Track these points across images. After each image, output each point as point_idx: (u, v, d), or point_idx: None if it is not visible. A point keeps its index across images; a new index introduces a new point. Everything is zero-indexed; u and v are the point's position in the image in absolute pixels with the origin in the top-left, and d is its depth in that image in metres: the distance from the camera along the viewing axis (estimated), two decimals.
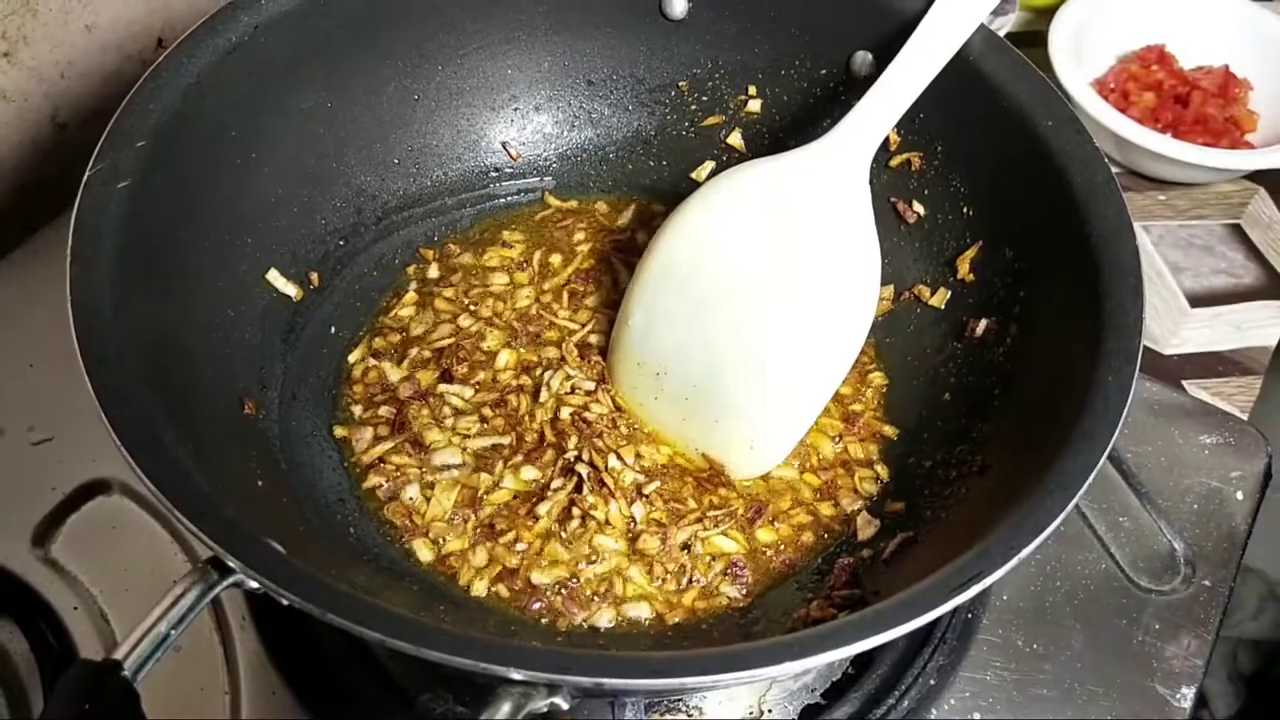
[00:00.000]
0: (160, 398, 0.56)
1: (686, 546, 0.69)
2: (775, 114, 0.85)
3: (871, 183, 0.69)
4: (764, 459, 0.73)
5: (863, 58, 0.79)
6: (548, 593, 0.67)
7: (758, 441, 0.72)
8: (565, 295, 0.82)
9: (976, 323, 0.73)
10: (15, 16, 0.90)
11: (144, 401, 0.55)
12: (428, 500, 0.70)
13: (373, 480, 0.71)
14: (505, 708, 0.47)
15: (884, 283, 0.73)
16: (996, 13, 1.00)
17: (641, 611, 0.67)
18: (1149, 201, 1.05)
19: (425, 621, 0.50)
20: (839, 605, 0.64)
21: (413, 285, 0.83)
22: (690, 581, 0.68)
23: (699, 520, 0.70)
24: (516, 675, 0.46)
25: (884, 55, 0.73)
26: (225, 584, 0.51)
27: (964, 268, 0.76)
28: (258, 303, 0.73)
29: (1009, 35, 1.06)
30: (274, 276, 0.74)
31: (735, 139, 0.87)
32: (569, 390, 0.76)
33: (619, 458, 0.72)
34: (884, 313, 0.79)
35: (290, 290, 0.75)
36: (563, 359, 0.78)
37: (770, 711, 0.69)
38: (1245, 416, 0.88)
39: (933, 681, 0.70)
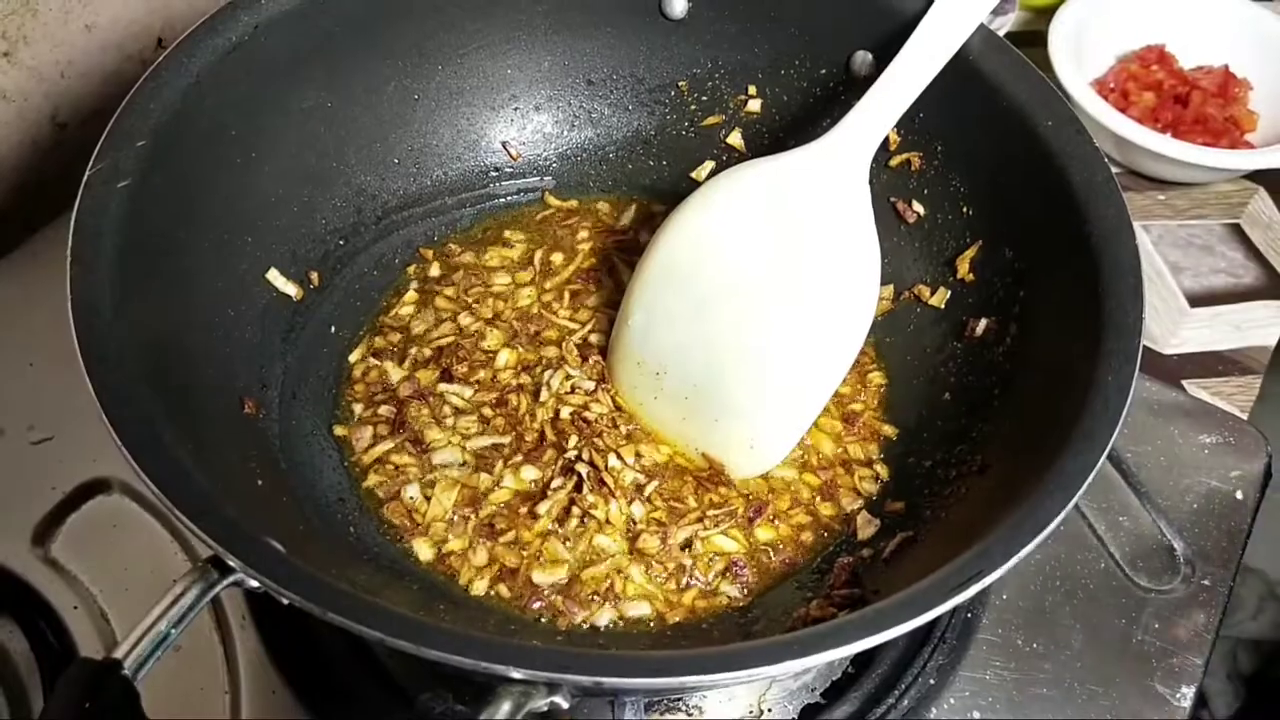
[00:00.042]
0: (160, 397, 0.56)
1: (687, 546, 0.69)
2: (775, 114, 0.85)
3: (871, 182, 0.69)
4: (764, 458, 0.73)
5: (863, 58, 0.79)
6: (548, 592, 0.67)
7: (758, 441, 0.72)
8: (566, 295, 0.82)
9: (976, 322, 0.73)
10: (15, 16, 0.90)
11: (144, 401, 0.55)
12: (428, 500, 0.70)
13: (373, 479, 0.71)
14: (505, 707, 0.47)
15: (884, 282, 0.73)
16: (996, 13, 1.00)
17: (641, 611, 0.67)
18: (1149, 201, 1.05)
19: (425, 621, 0.50)
20: (839, 604, 0.64)
21: (413, 284, 0.83)
22: (690, 581, 0.68)
23: (699, 520, 0.70)
24: (516, 674, 0.46)
25: (884, 55, 0.73)
26: (225, 583, 0.51)
27: (964, 267, 0.76)
28: (258, 302, 0.73)
29: (1009, 35, 1.06)
30: (274, 276, 0.74)
31: (735, 139, 0.87)
32: (569, 390, 0.76)
33: (619, 457, 0.72)
34: (884, 312, 0.79)
35: (290, 290, 0.75)
36: (563, 358, 0.78)
37: (770, 711, 0.69)
38: (1245, 416, 0.88)
39: (932, 681, 0.70)
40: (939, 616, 0.50)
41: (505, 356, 0.78)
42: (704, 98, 0.87)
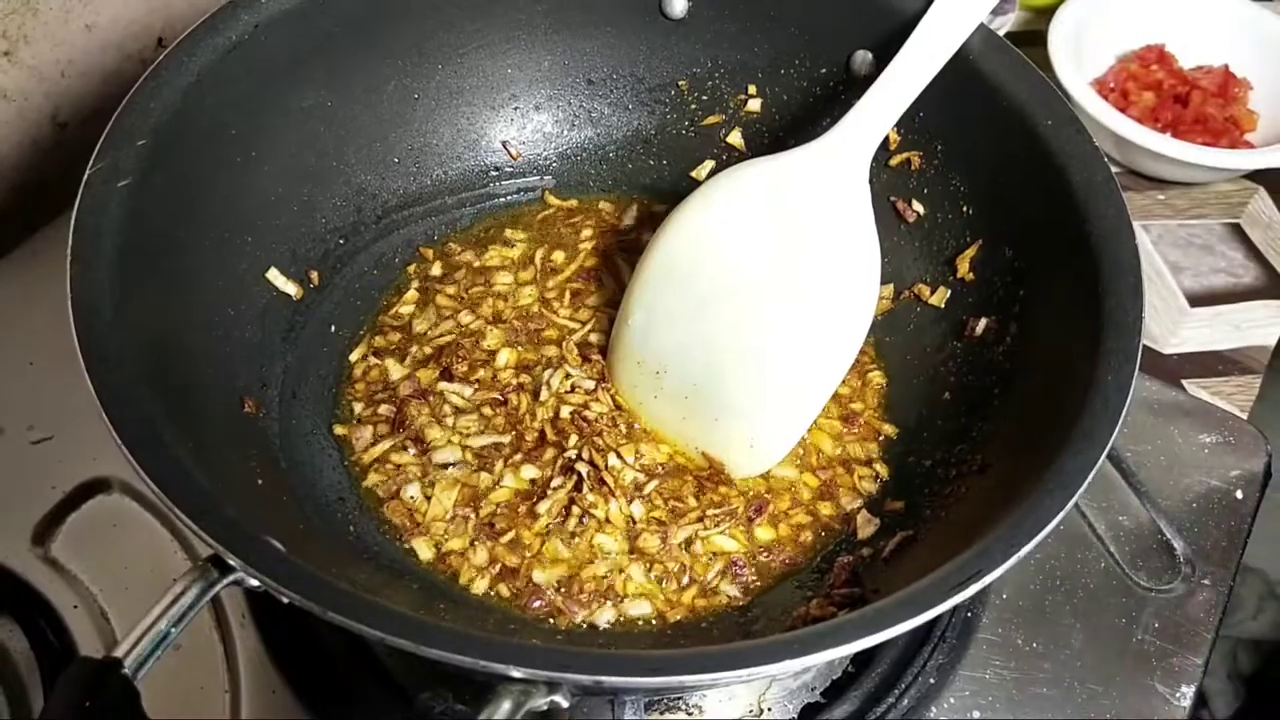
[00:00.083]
0: (160, 397, 0.56)
1: (687, 545, 0.69)
2: (775, 113, 0.85)
3: (871, 182, 0.69)
4: (764, 458, 0.73)
5: (863, 57, 0.79)
6: (548, 591, 0.67)
7: (757, 440, 0.72)
8: (567, 294, 0.82)
9: (976, 322, 0.73)
10: (16, 15, 0.90)
11: (144, 400, 0.55)
12: (428, 499, 0.70)
13: (373, 479, 0.71)
14: (505, 706, 0.47)
15: (884, 281, 0.73)
16: (996, 12, 1.00)
17: (642, 610, 0.67)
18: (1148, 201, 1.05)
19: (425, 620, 0.50)
20: (839, 604, 0.64)
21: (414, 283, 0.83)
22: (690, 580, 0.68)
23: (699, 519, 0.70)
24: (516, 673, 0.46)
25: (884, 55, 0.73)
26: (225, 582, 0.51)
27: (964, 267, 0.76)
28: (258, 301, 0.73)
29: (1009, 35, 1.06)
30: (274, 275, 0.74)
31: (735, 138, 0.87)
32: (569, 389, 0.76)
33: (619, 456, 0.72)
34: (884, 312, 0.79)
35: (290, 289, 0.75)
36: (563, 358, 0.78)
37: (770, 710, 0.69)
38: (1245, 416, 0.88)
39: (932, 680, 0.70)
40: (939, 616, 0.50)
41: (505, 356, 0.78)
42: (704, 97, 0.87)
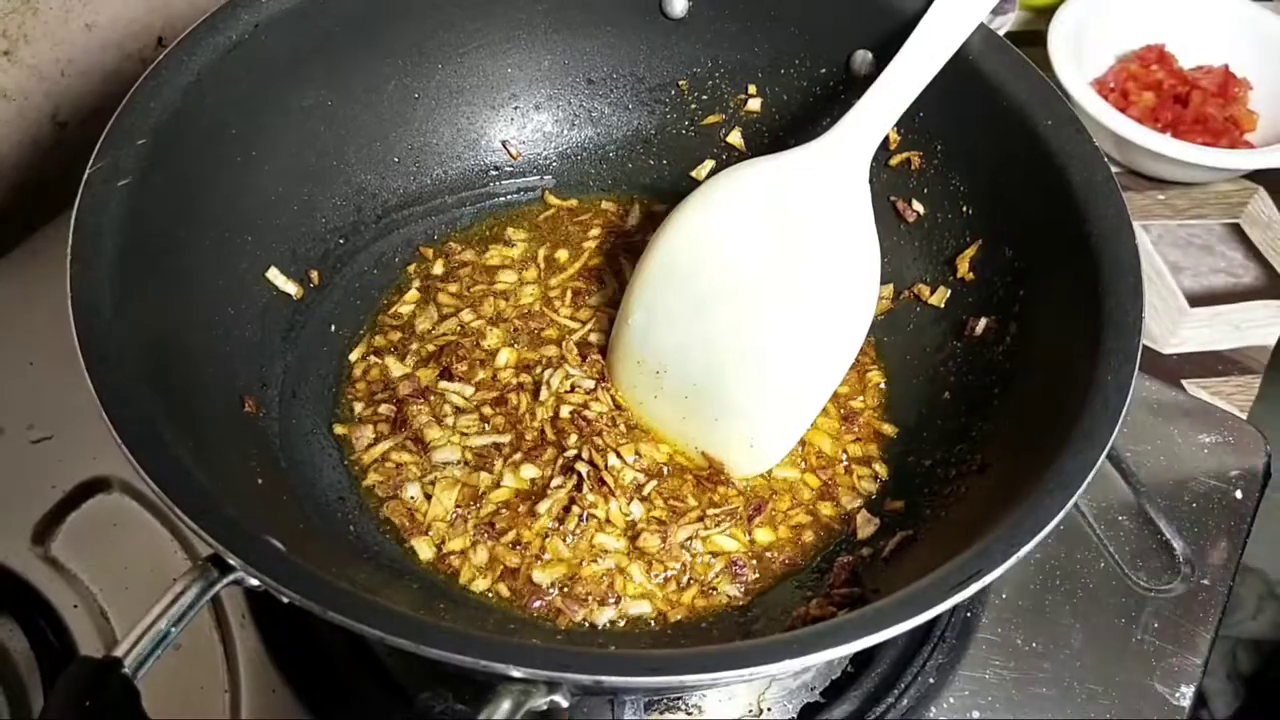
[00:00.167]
0: (160, 396, 0.56)
1: (687, 545, 0.69)
2: (775, 113, 0.85)
3: (871, 182, 0.69)
4: (764, 457, 0.73)
5: (863, 57, 0.79)
6: (548, 591, 0.67)
7: (757, 440, 0.72)
8: (569, 293, 0.83)
9: (976, 321, 0.73)
10: (16, 15, 0.90)
11: (144, 400, 0.55)
12: (428, 499, 0.70)
13: (373, 478, 0.71)
14: (505, 706, 0.47)
15: (884, 281, 0.73)
16: (996, 12, 1.00)
17: (642, 610, 0.67)
18: (1148, 201, 1.05)
19: (425, 619, 0.50)
20: (838, 603, 0.64)
21: (415, 283, 0.83)
22: (690, 580, 0.68)
23: (699, 519, 0.70)
24: (516, 673, 0.46)
25: (884, 54, 0.73)
26: (225, 582, 0.51)
27: (963, 266, 0.76)
28: (258, 301, 0.73)
29: (1009, 35, 1.06)
30: (274, 274, 0.74)
31: (735, 138, 0.87)
32: (569, 389, 0.76)
33: (619, 456, 0.72)
34: (883, 311, 0.79)
35: (290, 288, 0.75)
36: (563, 357, 0.78)
37: (769, 710, 0.69)
38: (1244, 416, 0.88)
39: (932, 680, 0.70)
40: (938, 615, 0.50)
41: (505, 356, 0.78)
42: (704, 97, 0.87)
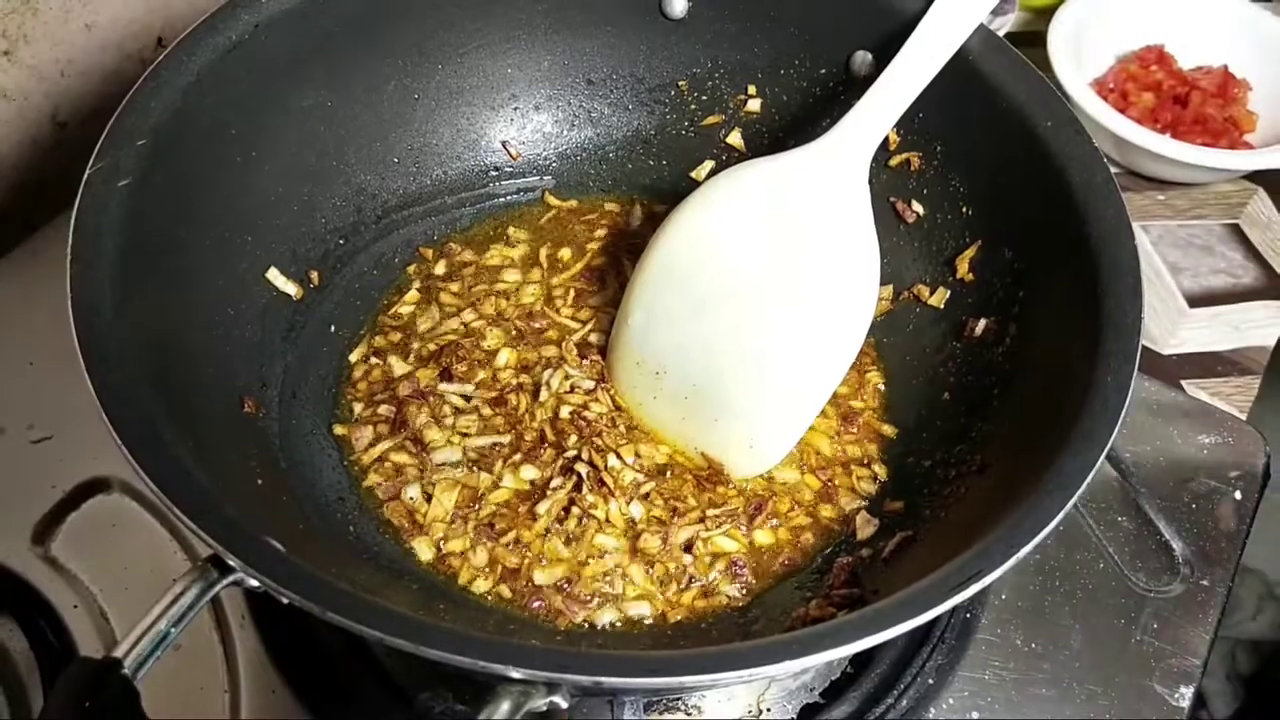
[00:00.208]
0: (160, 396, 0.56)
1: (687, 546, 0.69)
2: (775, 113, 0.85)
3: (871, 182, 0.69)
4: (763, 458, 0.73)
5: (862, 57, 0.79)
6: (548, 592, 0.67)
7: (757, 441, 0.72)
8: (571, 292, 0.83)
9: (975, 322, 0.73)
10: (16, 15, 0.90)
11: (144, 400, 0.55)
12: (428, 499, 0.70)
13: (372, 479, 0.71)
14: (504, 706, 0.47)
15: (883, 282, 0.73)
16: (996, 13, 1.00)
17: (642, 610, 0.67)
18: (1148, 201, 1.05)
19: (425, 620, 0.50)
20: (838, 604, 0.64)
21: (415, 283, 0.83)
22: (690, 580, 0.68)
23: (700, 520, 0.70)
24: (516, 674, 0.46)
25: (884, 55, 0.73)
26: (225, 582, 0.51)
27: (963, 267, 0.76)
28: (258, 301, 0.73)
29: (1008, 35, 1.06)
30: (274, 275, 0.74)
31: (735, 138, 0.87)
32: (568, 389, 0.76)
33: (618, 457, 0.72)
34: (883, 312, 0.79)
35: (290, 289, 0.75)
36: (562, 358, 0.78)
37: (769, 710, 0.69)
38: (1244, 416, 0.88)
39: (931, 681, 0.70)
40: (938, 616, 0.50)
41: (505, 356, 0.78)
42: (704, 97, 0.87)
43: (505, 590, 0.67)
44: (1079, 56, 1.06)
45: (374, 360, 0.78)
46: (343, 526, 0.69)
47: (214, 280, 0.69)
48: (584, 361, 0.78)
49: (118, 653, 0.48)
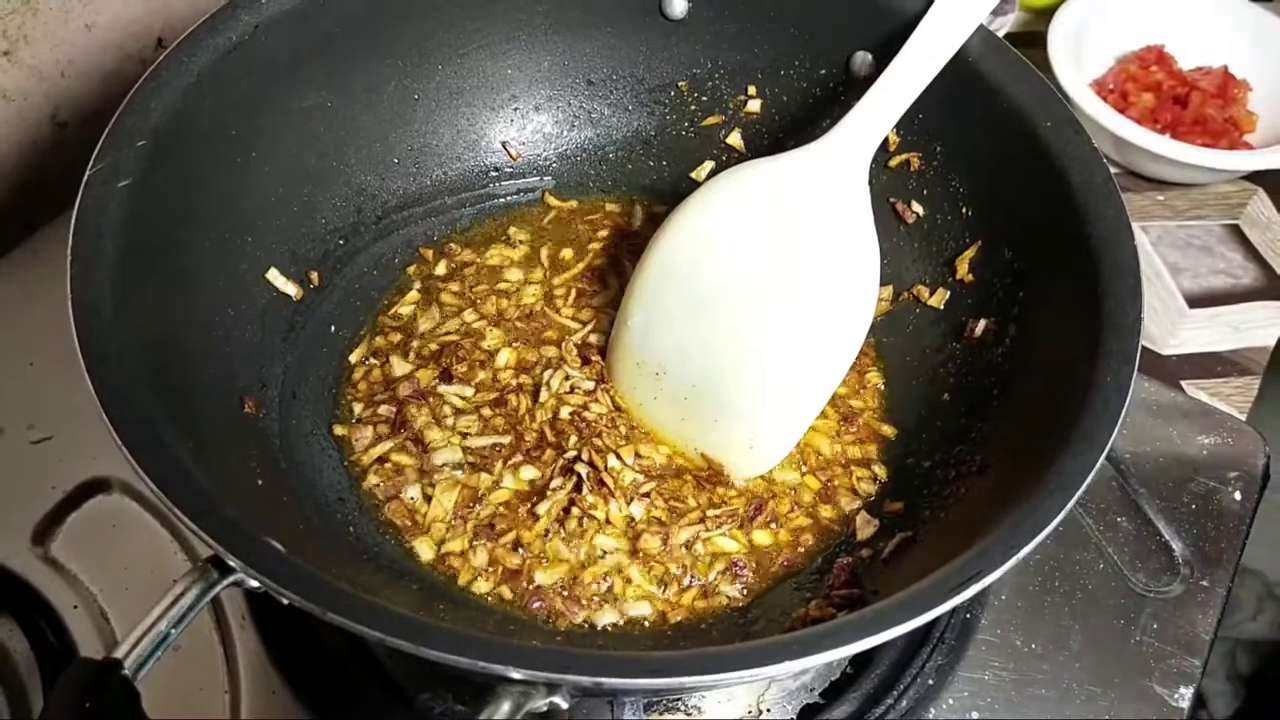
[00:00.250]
0: (160, 397, 0.56)
1: (687, 546, 0.69)
2: (775, 114, 0.85)
3: (871, 183, 0.69)
4: (763, 459, 0.73)
5: (862, 58, 0.79)
6: (548, 592, 0.67)
7: (757, 441, 0.72)
8: (573, 293, 0.83)
9: (975, 323, 0.73)
10: (16, 15, 0.90)
11: (144, 401, 0.55)
12: (428, 500, 0.70)
13: (372, 479, 0.71)
14: (505, 707, 0.47)
15: (883, 283, 0.73)
16: (996, 13, 1.00)
17: (642, 611, 0.67)
18: (1148, 202, 1.05)
19: (425, 620, 0.50)
20: (838, 605, 0.64)
21: (416, 283, 0.83)
22: (691, 581, 0.68)
23: (700, 520, 0.70)
24: (516, 674, 0.46)
25: (883, 55, 0.73)
26: (225, 583, 0.51)
27: (963, 268, 0.76)
28: (258, 302, 0.73)
29: (1008, 35, 1.06)
30: (274, 275, 0.74)
31: (735, 139, 0.87)
32: (568, 390, 0.76)
33: (618, 457, 0.72)
34: (883, 313, 0.79)
35: (290, 289, 0.75)
36: (562, 359, 0.78)
37: (769, 711, 0.69)
38: (1243, 417, 0.88)
39: (931, 681, 0.70)
40: (938, 617, 0.50)
41: (505, 356, 0.78)
42: (704, 98, 0.87)
43: (506, 591, 0.67)
44: (1079, 57, 1.06)
45: (374, 361, 0.78)
46: (343, 527, 0.69)
47: (214, 281, 0.69)
48: (584, 362, 0.78)
49: (118, 653, 0.48)
